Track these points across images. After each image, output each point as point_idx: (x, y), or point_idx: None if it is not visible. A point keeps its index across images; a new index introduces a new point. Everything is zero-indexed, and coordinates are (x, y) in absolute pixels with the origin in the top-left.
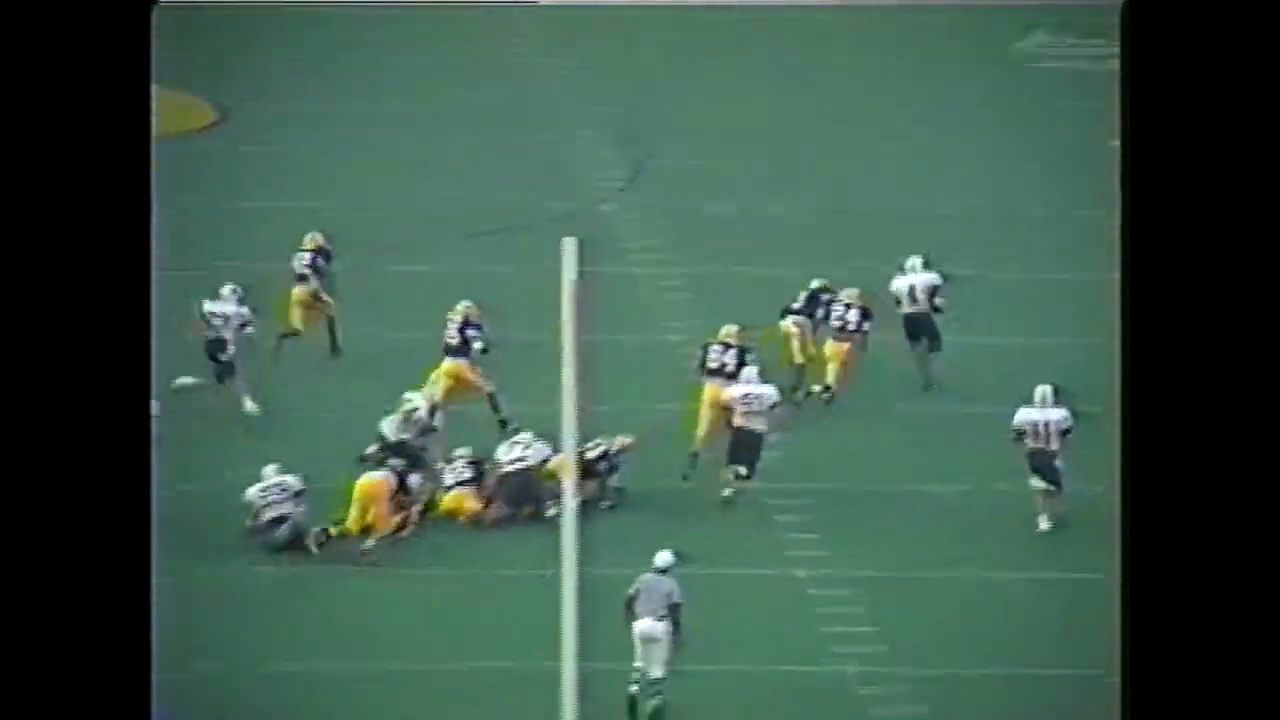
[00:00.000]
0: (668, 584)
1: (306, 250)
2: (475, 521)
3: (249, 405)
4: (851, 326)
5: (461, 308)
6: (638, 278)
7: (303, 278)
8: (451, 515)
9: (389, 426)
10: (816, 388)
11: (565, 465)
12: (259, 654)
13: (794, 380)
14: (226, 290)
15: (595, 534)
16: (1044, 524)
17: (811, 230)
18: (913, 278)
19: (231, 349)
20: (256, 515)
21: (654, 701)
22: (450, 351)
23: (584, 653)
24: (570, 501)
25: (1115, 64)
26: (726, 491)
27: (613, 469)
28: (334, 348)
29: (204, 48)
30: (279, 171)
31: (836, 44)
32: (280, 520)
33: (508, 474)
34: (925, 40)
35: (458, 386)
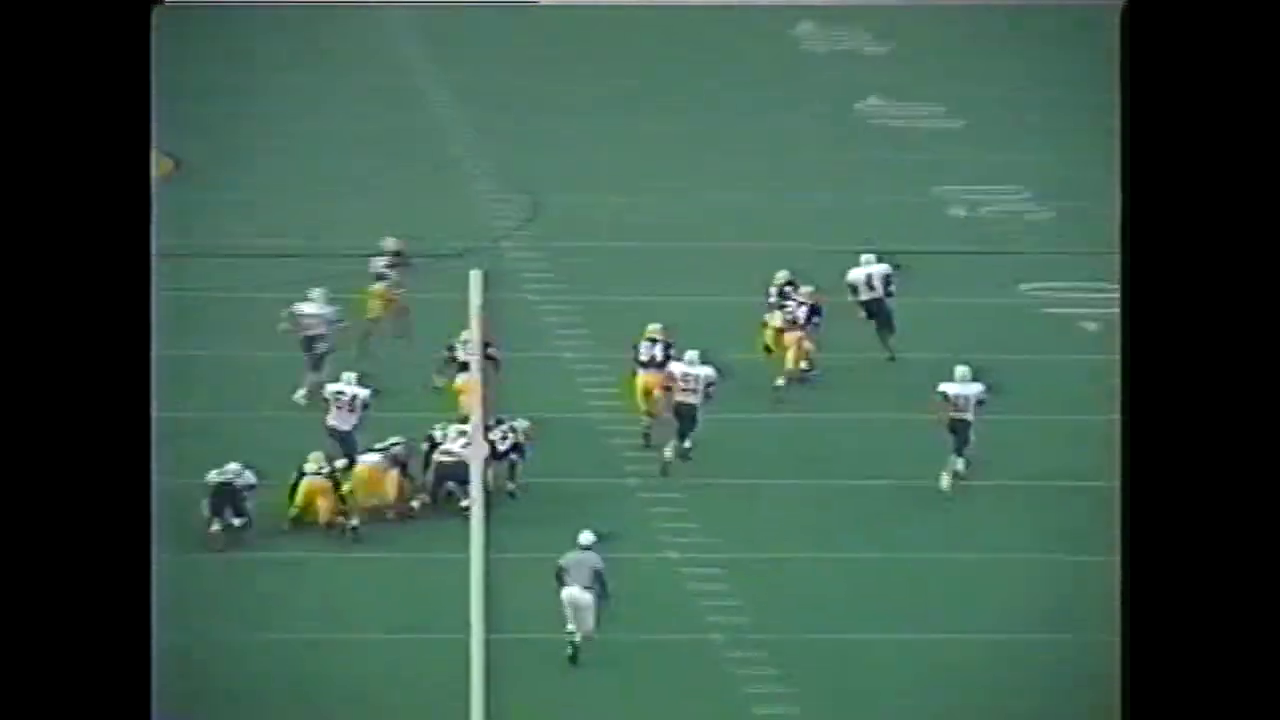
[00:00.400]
0: (592, 558)
1: (386, 253)
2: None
3: (313, 391)
4: (800, 320)
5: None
6: (533, 304)
7: (381, 276)
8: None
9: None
10: (781, 381)
11: (475, 456)
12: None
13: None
14: (316, 293)
15: (504, 519)
16: (945, 482)
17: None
18: (868, 269)
19: (324, 344)
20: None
21: (570, 652)
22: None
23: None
24: (477, 492)
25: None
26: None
27: (520, 454)
28: (406, 334)
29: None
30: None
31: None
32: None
33: (441, 463)
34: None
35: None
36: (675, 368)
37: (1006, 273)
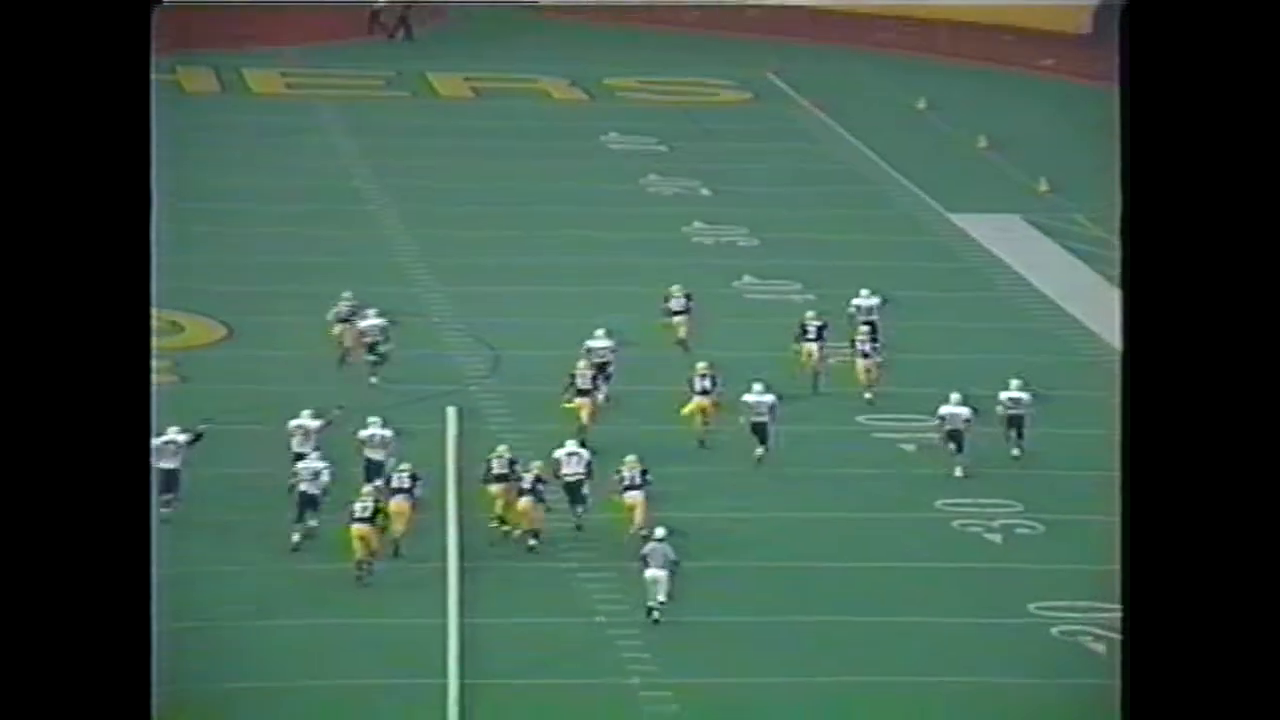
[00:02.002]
0: (665, 548)
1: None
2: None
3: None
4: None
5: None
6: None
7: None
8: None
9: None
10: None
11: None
12: None
13: (811, 380)
14: (371, 312)
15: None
16: (959, 472)
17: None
18: (865, 300)
19: (385, 348)
20: None
21: (656, 615)
22: (582, 393)
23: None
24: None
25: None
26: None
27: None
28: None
29: None
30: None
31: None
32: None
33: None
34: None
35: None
36: (747, 397)
37: None
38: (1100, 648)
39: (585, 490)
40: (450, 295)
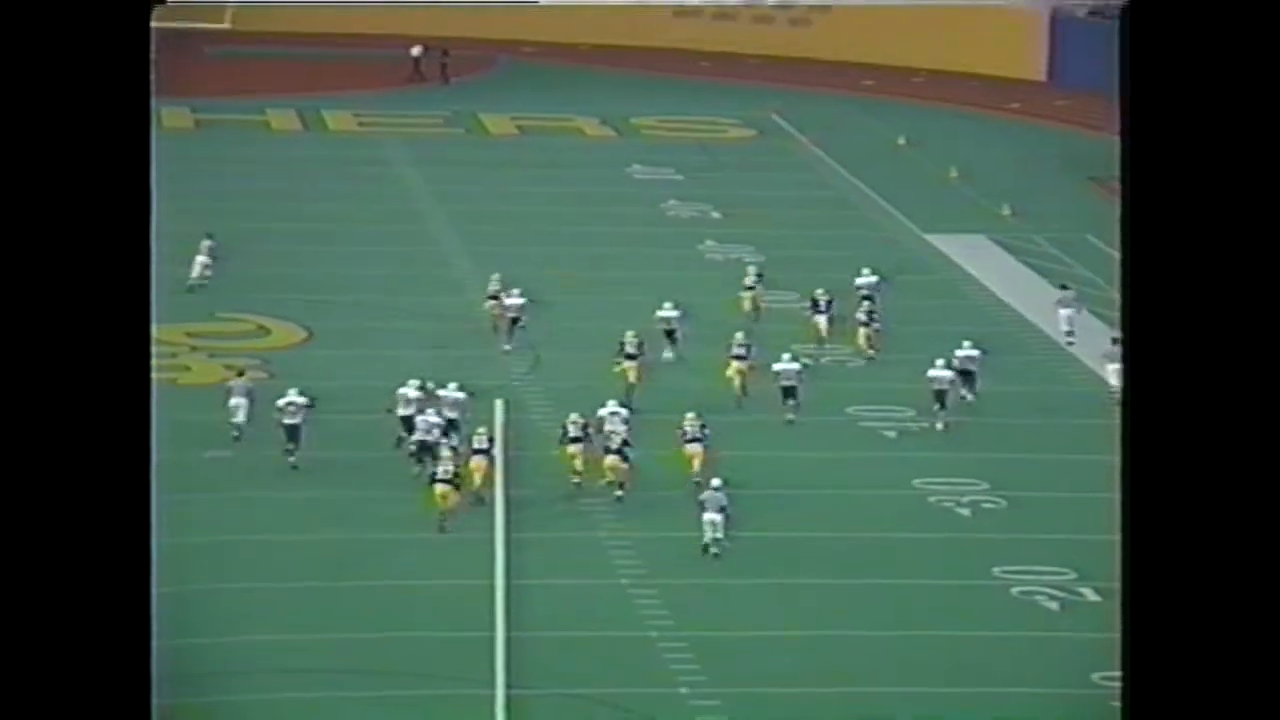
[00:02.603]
0: (720, 496)
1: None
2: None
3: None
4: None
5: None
6: None
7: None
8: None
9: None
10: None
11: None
12: None
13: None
14: (515, 291)
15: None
16: (940, 425)
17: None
18: (865, 279)
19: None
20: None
21: (715, 550)
22: (629, 358)
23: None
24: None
25: None
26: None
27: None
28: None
29: None
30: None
31: None
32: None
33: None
34: None
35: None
36: (776, 365)
37: None
38: (1053, 605)
39: (624, 454)
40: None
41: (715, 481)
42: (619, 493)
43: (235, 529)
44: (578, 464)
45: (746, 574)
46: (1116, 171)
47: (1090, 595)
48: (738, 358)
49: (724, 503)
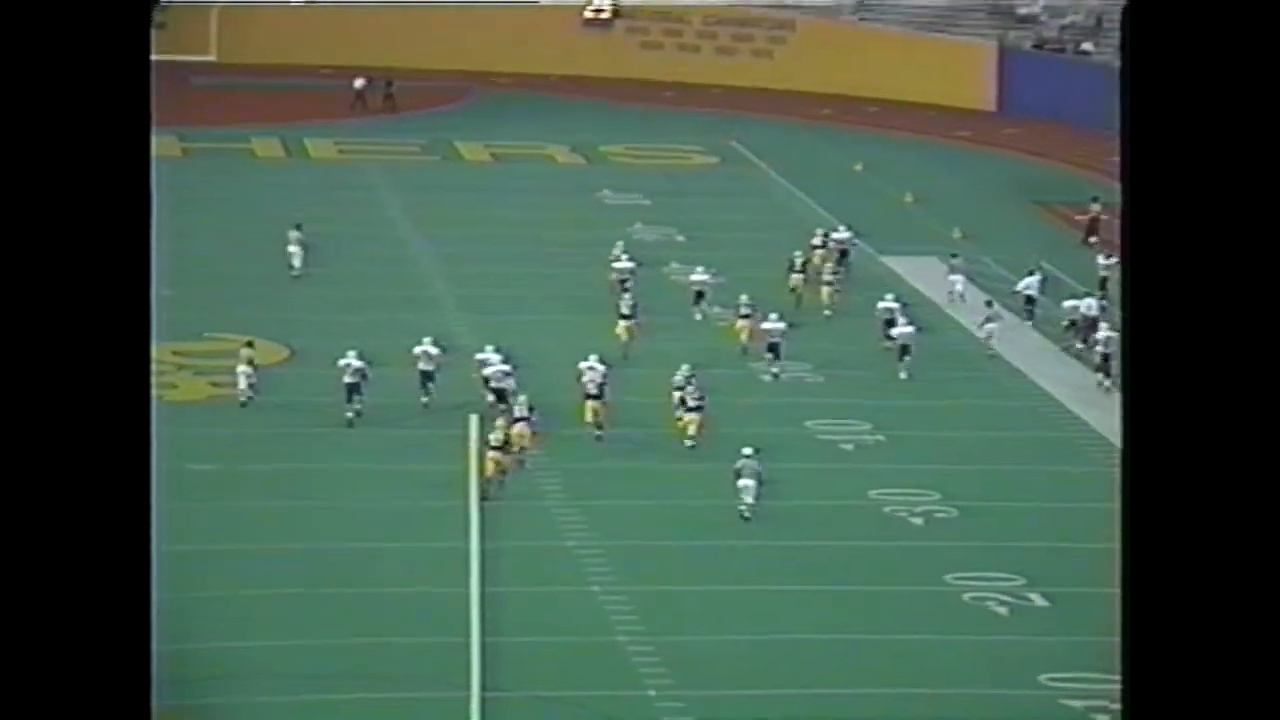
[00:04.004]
0: (754, 463)
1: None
2: None
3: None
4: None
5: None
6: None
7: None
8: None
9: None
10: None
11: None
12: None
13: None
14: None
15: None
16: (903, 375)
17: None
18: (841, 234)
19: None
20: None
21: (747, 514)
22: (624, 317)
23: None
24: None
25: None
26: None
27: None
28: None
29: None
30: None
31: None
32: None
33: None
34: None
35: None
36: (765, 325)
37: None
38: (1002, 610)
39: (603, 395)
40: (473, 322)
41: (746, 450)
42: (599, 433)
43: (222, 538)
44: (589, 416)
45: (710, 581)
46: (1062, 197)
47: (1038, 600)
48: (744, 317)
49: (758, 469)
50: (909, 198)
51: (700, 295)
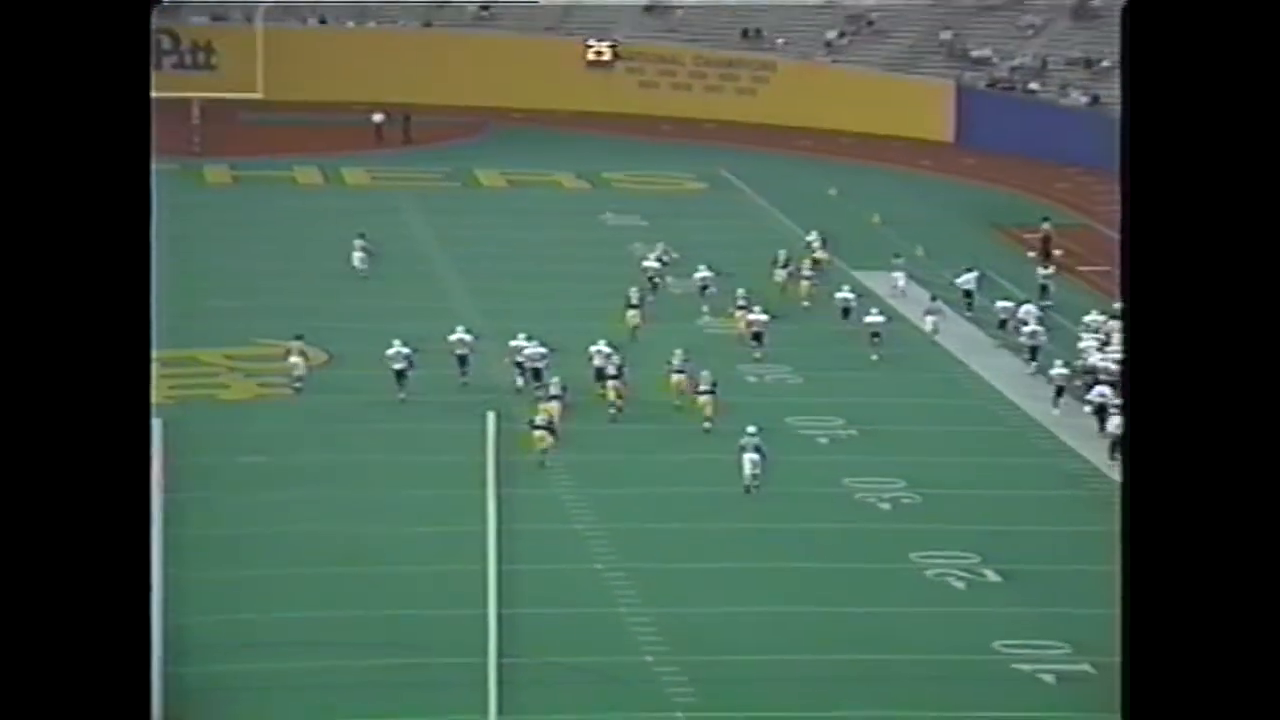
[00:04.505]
0: (756, 439)
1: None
2: None
3: None
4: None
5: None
6: None
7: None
8: None
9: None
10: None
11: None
12: None
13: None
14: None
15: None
16: (874, 357)
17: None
18: (814, 238)
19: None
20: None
21: (754, 485)
22: (632, 307)
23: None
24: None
25: None
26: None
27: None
28: None
29: None
30: None
31: None
32: None
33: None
34: None
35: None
36: (750, 315)
37: None
38: (960, 584)
39: (621, 375)
40: (492, 329)
41: (750, 429)
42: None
43: (269, 523)
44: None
45: (703, 559)
46: (1015, 219)
47: (992, 576)
48: (740, 308)
49: (759, 444)
50: (876, 218)
51: (704, 289)
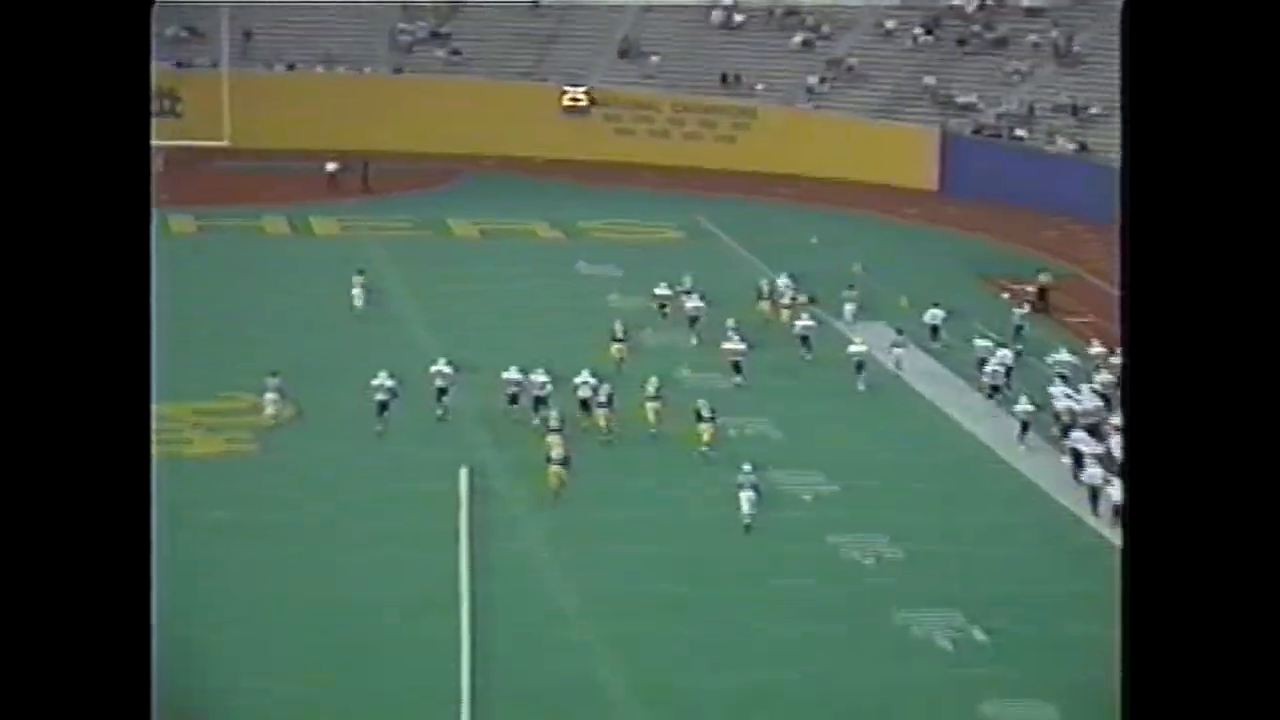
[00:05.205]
0: (752, 476)
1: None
2: None
3: None
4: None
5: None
6: None
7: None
8: None
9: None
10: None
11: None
12: None
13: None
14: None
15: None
16: (861, 386)
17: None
18: (784, 280)
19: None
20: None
21: (747, 522)
22: (617, 340)
23: None
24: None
25: None
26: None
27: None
28: None
29: None
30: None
31: None
32: None
33: None
34: None
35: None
36: (725, 345)
37: None
38: (947, 644)
39: (593, 408)
40: (463, 381)
41: (746, 466)
42: (608, 437)
43: (232, 580)
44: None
45: (679, 625)
46: (1000, 269)
47: (979, 635)
48: (741, 337)
49: (755, 481)
50: (857, 266)
51: (694, 320)
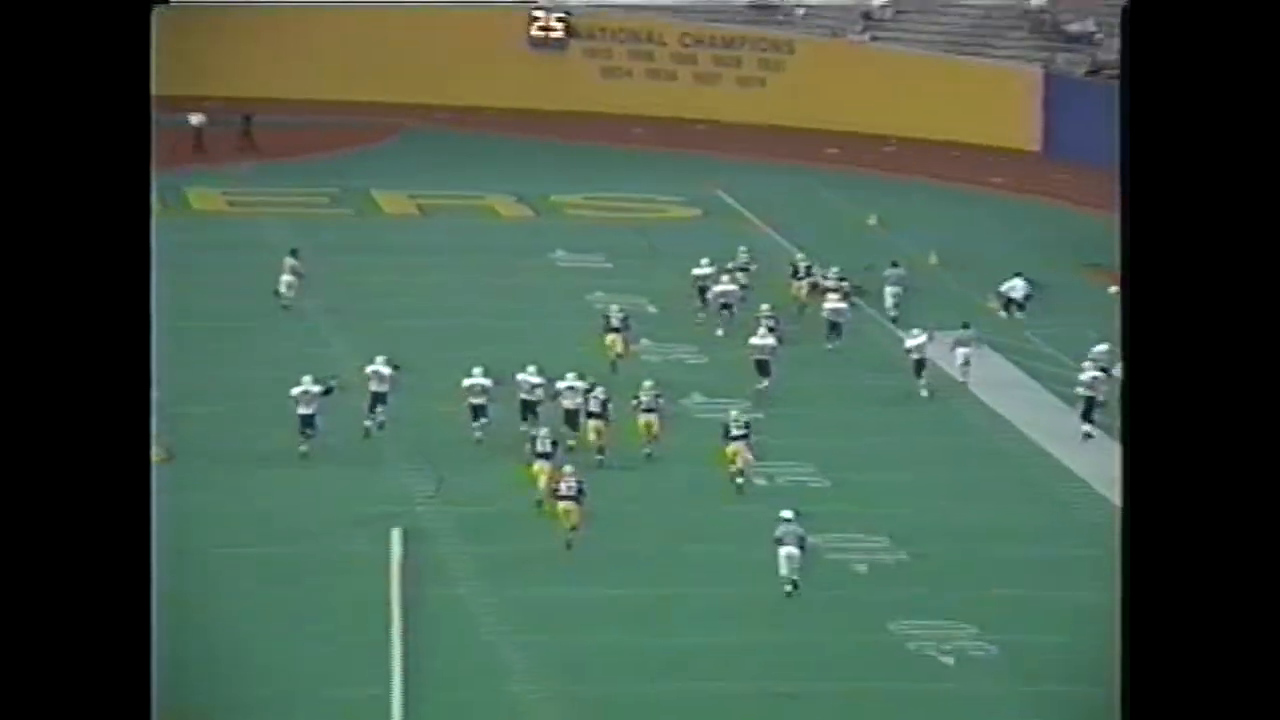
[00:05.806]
0: (796, 528)
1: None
2: None
3: None
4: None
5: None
6: None
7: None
8: None
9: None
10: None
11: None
12: None
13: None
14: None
15: None
16: (924, 393)
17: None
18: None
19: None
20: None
21: (788, 589)
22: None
23: None
24: None
25: None
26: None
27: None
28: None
29: None
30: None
31: None
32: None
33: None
34: None
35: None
36: (753, 340)
37: None
38: (948, 659)
39: (580, 417)
40: (392, 416)
41: (786, 513)
42: (599, 456)
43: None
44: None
45: (660, 633)
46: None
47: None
48: (770, 330)
49: (801, 534)
50: (933, 259)
51: (726, 307)
